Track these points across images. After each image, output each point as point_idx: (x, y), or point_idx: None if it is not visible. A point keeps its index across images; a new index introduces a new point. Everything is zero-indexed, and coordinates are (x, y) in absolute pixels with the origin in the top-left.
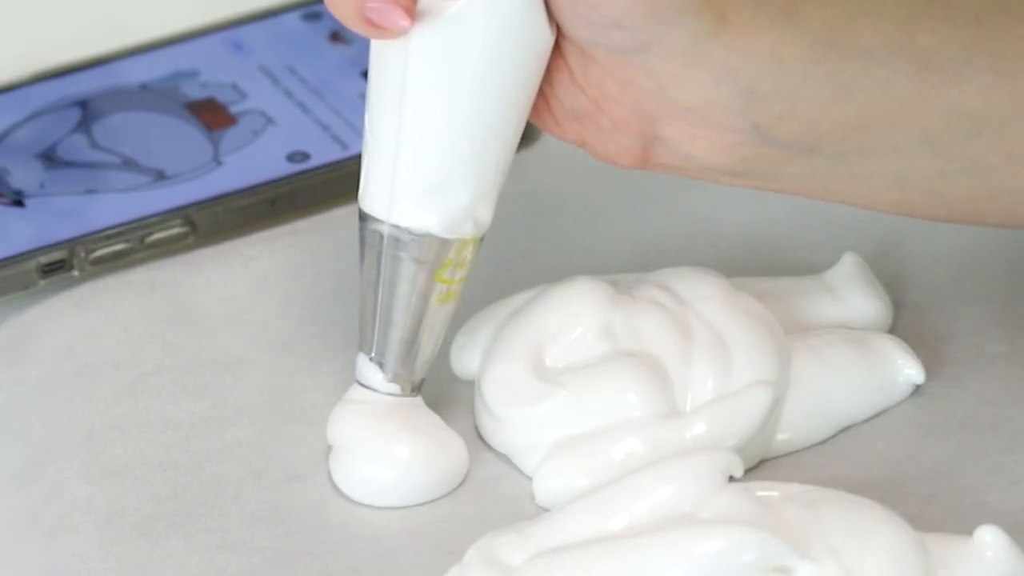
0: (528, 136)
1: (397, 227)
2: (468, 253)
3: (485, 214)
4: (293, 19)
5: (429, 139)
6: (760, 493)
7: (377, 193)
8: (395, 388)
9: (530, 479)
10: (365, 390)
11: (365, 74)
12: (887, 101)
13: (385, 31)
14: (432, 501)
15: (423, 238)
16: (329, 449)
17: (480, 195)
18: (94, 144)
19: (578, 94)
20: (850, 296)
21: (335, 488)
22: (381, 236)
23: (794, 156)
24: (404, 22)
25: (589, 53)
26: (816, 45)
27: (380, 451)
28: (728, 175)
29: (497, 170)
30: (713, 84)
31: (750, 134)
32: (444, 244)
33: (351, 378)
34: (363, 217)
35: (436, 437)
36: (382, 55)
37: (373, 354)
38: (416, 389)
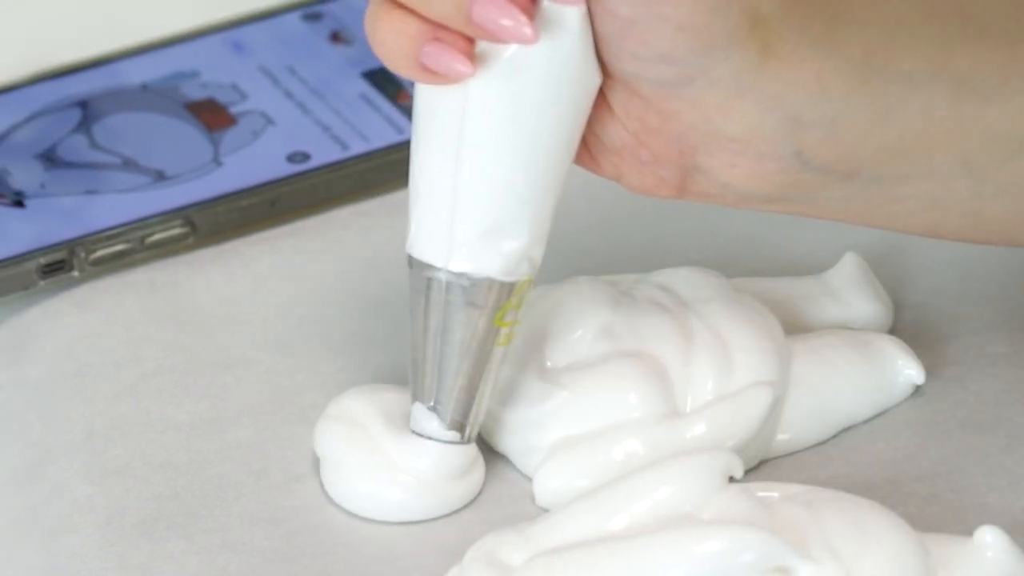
0: None
1: (454, 273)
2: (523, 295)
3: (539, 254)
4: (293, 19)
5: (489, 183)
6: (760, 493)
7: (432, 239)
8: (454, 436)
9: (530, 479)
10: (348, 406)
11: (365, 74)
12: (926, 125)
13: (442, 78)
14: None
15: (483, 283)
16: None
17: (536, 236)
18: (94, 144)
19: (619, 129)
20: (850, 297)
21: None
22: (439, 283)
23: (832, 181)
24: (465, 68)
25: (633, 87)
26: (858, 70)
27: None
28: (766, 202)
29: (551, 210)
30: (758, 113)
31: (791, 161)
32: (504, 287)
33: (351, 378)
34: (414, 264)
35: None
36: (435, 98)
37: (432, 403)
38: (472, 437)
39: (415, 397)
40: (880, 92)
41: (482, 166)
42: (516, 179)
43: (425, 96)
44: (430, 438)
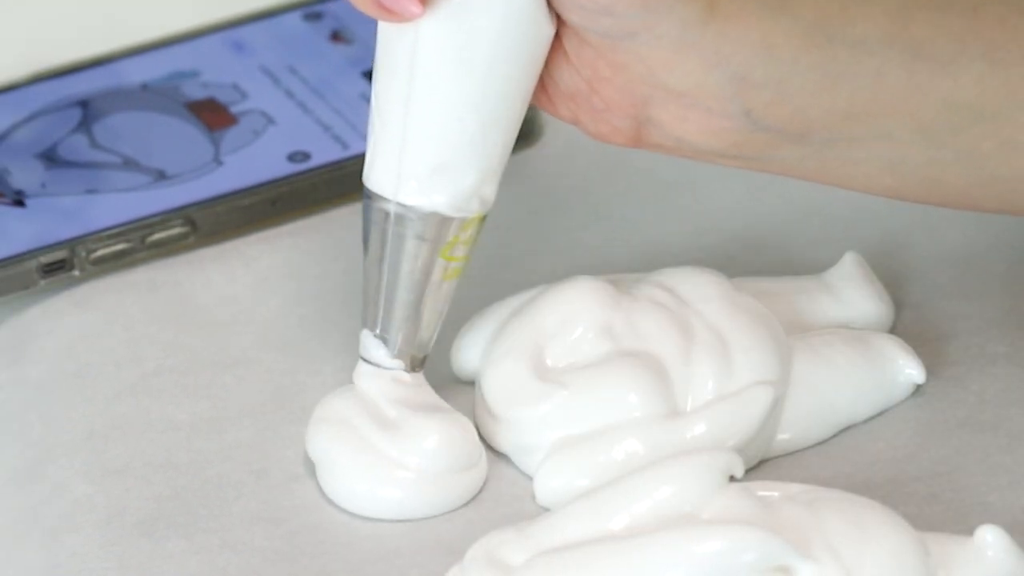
0: (528, 136)
1: (404, 206)
2: (473, 231)
3: (490, 192)
4: (293, 19)
5: (437, 120)
6: (760, 493)
7: (384, 172)
8: (399, 364)
9: (530, 479)
10: (335, 406)
11: (366, 74)
12: (879, 91)
13: (396, 15)
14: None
15: (430, 216)
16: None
17: (486, 174)
18: (95, 144)
19: (572, 74)
20: (851, 296)
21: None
22: (387, 214)
23: (784, 142)
24: (415, 8)
25: (583, 36)
26: (807, 34)
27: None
28: (721, 157)
29: (503, 150)
30: (703, 70)
31: (741, 119)
32: (450, 222)
33: (351, 378)
34: (368, 195)
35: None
36: (391, 37)
37: (378, 330)
38: (420, 365)
39: (364, 324)
40: (830, 56)
41: (430, 104)
42: (465, 118)
43: (383, 35)
44: (377, 364)
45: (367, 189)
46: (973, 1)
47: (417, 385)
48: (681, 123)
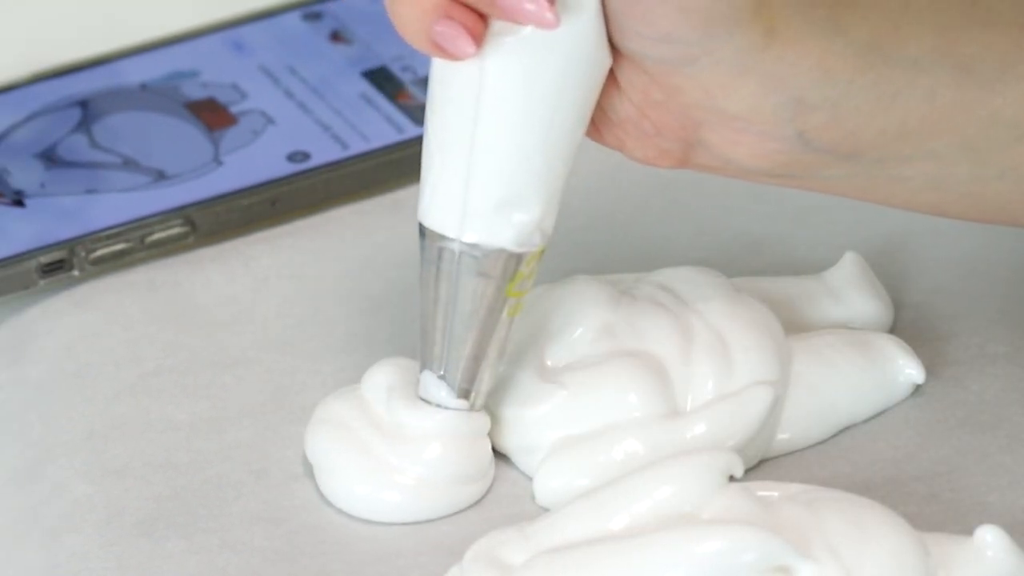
0: None
1: (468, 244)
2: (535, 265)
3: (550, 225)
4: (293, 19)
5: (504, 156)
6: (760, 493)
7: (446, 211)
8: (463, 404)
9: (530, 479)
10: (341, 405)
11: (365, 74)
12: (930, 110)
13: (451, 55)
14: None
15: (496, 254)
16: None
17: (549, 206)
18: (94, 144)
19: (623, 101)
20: (851, 296)
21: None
22: (451, 254)
23: (834, 161)
24: (470, 49)
25: (638, 63)
26: (862, 55)
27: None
28: (767, 176)
29: (564, 182)
30: (762, 94)
31: (793, 141)
32: (516, 258)
33: (351, 378)
34: (426, 234)
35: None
36: (450, 74)
37: (441, 372)
38: (480, 404)
39: (424, 365)
40: (885, 77)
41: (497, 141)
42: (531, 153)
43: (441, 68)
44: (440, 405)
45: (425, 228)
46: (1018, 19)
47: (479, 422)
48: (733, 145)
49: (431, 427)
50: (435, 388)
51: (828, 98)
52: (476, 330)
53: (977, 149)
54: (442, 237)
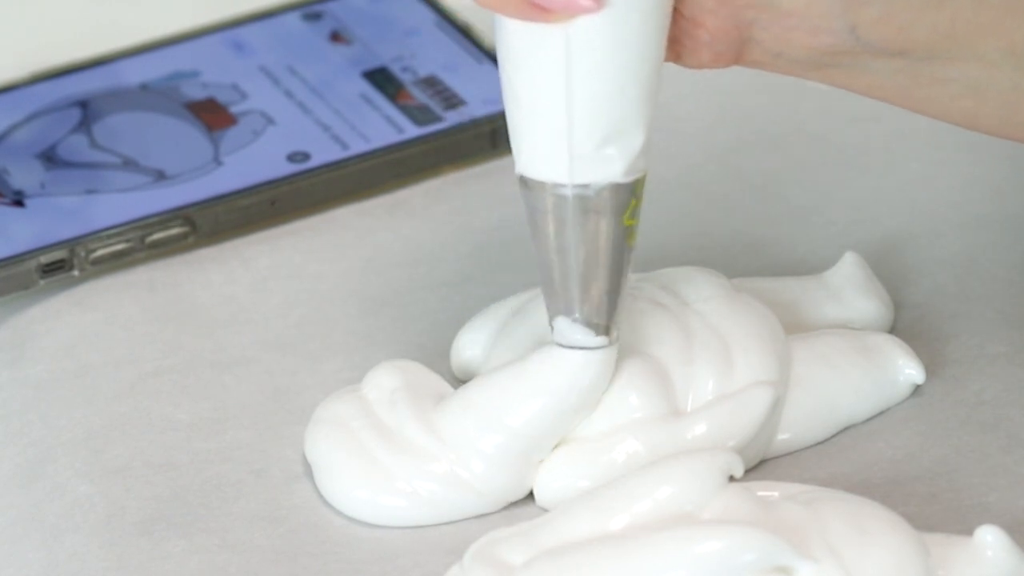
0: None
1: (581, 185)
2: (642, 190)
3: (650, 145)
4: (293, 19)
5: (602, 97)
6: (760, 493)
7: (551, 160)
8: (604, 341)
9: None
10: (342, 406)
11: (365, 74)
12: (980, 10)
13: (555, 14)
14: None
15: (609, 188)
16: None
17: (648, 129)
18: (94, 144)
19: (677, 17)
20: (851, 296)
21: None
22: (564, 199)
23: (883, 56)
24: (589, 3)
25: None
26: None
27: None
28: (816, 68)
29: (656, 101)
30: None
31: (844, 35)
32: (627, 188)
33: (351, 378)
34: (533, 187)
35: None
36: (533, 31)
37: (577, 315)
38: (617, 338)
39: (556, 313)
40: None
41: (593, 85)
42: (626, 86)
43: (517, 31)
44: (583, 347)
45: (531, 180)
46: None
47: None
48: (785, 42)
49: (579, 361)
50: (572, 332)
51: None
52: (605, 267)
53: (1020, 55)
54: (554, 185)
